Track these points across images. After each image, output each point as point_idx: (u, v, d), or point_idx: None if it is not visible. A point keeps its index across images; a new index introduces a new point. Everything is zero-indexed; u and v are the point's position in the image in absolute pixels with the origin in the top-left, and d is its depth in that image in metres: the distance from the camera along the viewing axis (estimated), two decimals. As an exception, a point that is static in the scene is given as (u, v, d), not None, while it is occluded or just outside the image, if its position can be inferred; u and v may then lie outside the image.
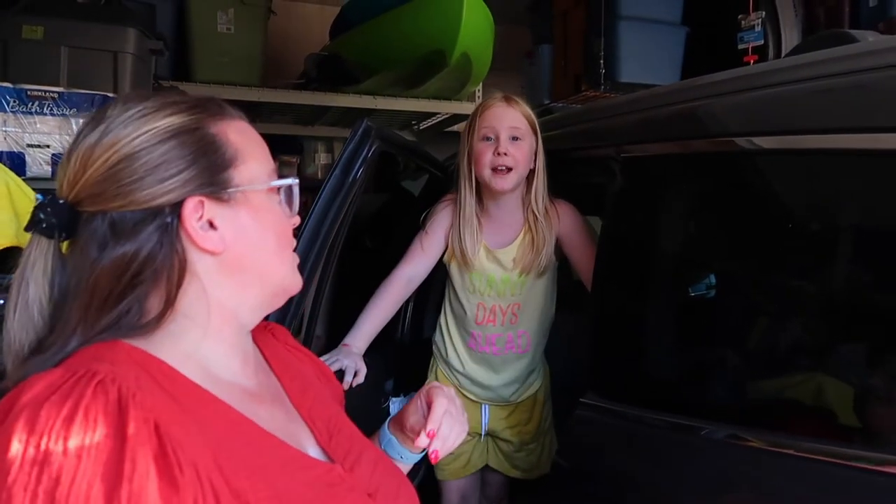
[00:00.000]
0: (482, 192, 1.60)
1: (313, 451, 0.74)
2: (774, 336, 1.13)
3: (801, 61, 1.06)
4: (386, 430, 0.91)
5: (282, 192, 0.74)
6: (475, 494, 1.82)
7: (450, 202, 1.65)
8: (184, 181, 0.65)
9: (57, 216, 0.64)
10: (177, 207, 0.65)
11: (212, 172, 0.67)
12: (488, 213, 1.62)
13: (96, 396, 0.54)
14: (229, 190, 0.68)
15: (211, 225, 0.67)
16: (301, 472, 0.67)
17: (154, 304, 0.65)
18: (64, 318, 0.63)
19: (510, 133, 1.51)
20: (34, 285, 0.64)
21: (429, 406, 0.86)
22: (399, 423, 0.90)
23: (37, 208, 0.64)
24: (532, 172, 1.57)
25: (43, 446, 0.50)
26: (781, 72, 1.07)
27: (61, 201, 0.64)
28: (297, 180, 0.76)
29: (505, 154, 1.49)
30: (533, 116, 1.56)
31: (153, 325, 0.65)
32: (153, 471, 0.53)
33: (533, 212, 1.58)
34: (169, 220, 0.65)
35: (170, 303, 0.65)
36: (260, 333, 0.80)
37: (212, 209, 0.67)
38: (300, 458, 0.69)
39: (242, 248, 0.69)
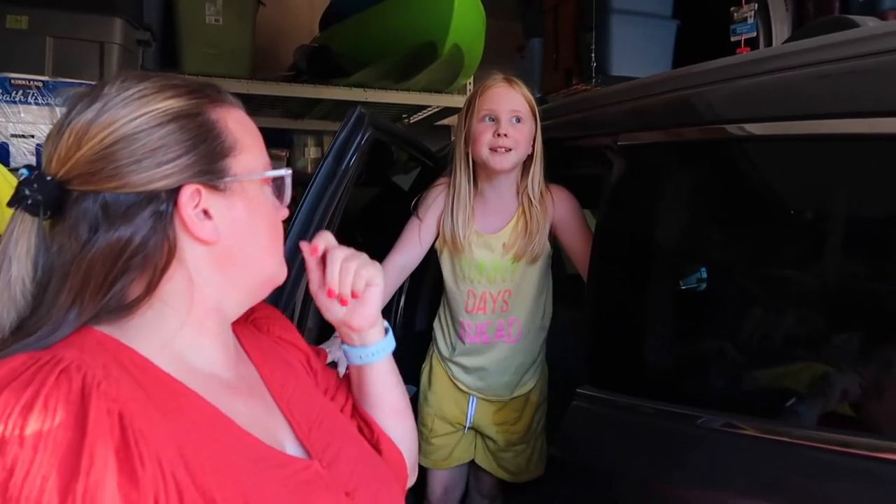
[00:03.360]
0: (478, 174, 1.58)
1: (290, 446, 0.71)
2: (773, 326, 1.12)
3: (807, 46, 1.05)
4: (343, 348, 0.87)
5: (272, 183, 0.73)
6: (460, 487, 1.81)
7: (442, 186, 1.63)
8: (182, 167, 0.63)
9: (43, 193, 0.61)
10: (173, 194, 0.63)
11: (210, 160, 0.65)
12: (483, 196, 1.60)
13: (59, 384, 0.52)
14: (226, 179, 0.66)
15: (206, 214, 0.65)
16: (274, 469, 0.64)
17: (135, 290, 0.63)
18: (53, 303, 0.60)
19: (511, 115, 1.50)
20: (17, 264, 0.61)
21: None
22: (340, 333, 0.86)
23: (22, 184, 0.61)
24: (530, 157, 1.55)
25: None
26: (788, 56, 1.06)
27: (49, 178, 0.61)
28: (290, 171, 0.75)
29: (505, 135, 1.48)
30: (532, 99, 1.54)
31: (129, 310, 0.62)
32: (112, 464, 0.50)
33: (528, 196, 1.56)
34: (164, 206, 0.63)
35: (151, 289, 0.63)
36: (240, 322, 0.77)
37: (208, 198, 0.65)
38: (274, 456, 0.66)
39: (235, 239, 0.68)
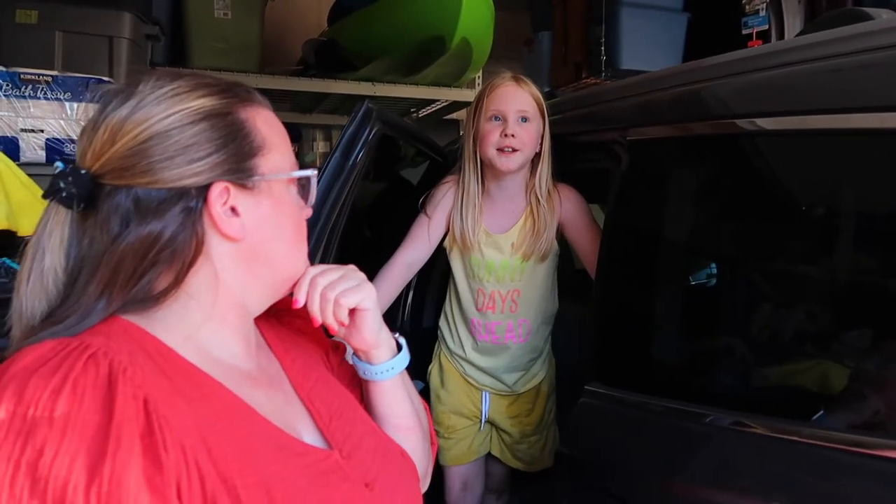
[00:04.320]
0: (485, 174, 1.58)
1: (310, 436, 0.72)
2: (783, 323, 1.11)
3: (820, 39, 1.04)
4: (353, 359, 0.86)
5: (297, 182, 0.74)
6: (478, 483, 1.80)
7: (451, 184, 1.63)
8: (212, 164, 0.65)
9: (77, 186, 0.63)
10: (202, 191, 0.65)
11: (239, 159, 0.67)
12: (490, 196, 1.60)
13: (86, 370, 0.54)
14: (254, 178, 0.68)
15: (233, 211, 0.67)
16: (294, 458, 0.65)
17: (162, 282, 0.64)
18: (82, 293, 0.62)
19: (519, 115, 1.49)
20: (50, 255, 0.63)
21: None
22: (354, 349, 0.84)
23: (56, 177, 0.63)
24: (537, 156, 1.55)
25: (29, 417, 0.50)
26: (800, 50, 1.05)
27: (83, 172, 0.63)
28: (315, 172, 0.76)
29: (512, 136, 1.48)
30: (541, 98, 1.54)
31: (155, 301, 0.64)
32: (138, 449, 0.52)
33: (536, 195, 1.56)
34: (194, 203, 0.64)
35: (177, 282, 0.65)
36: (263, 315, 0.78)
37: (236, 196, 0.67)
38: (294, 445, 0.67)
39: (261, 236, 0.69)
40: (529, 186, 1.58)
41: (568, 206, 1.60)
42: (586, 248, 1.58)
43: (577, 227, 1.61)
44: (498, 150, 1.49)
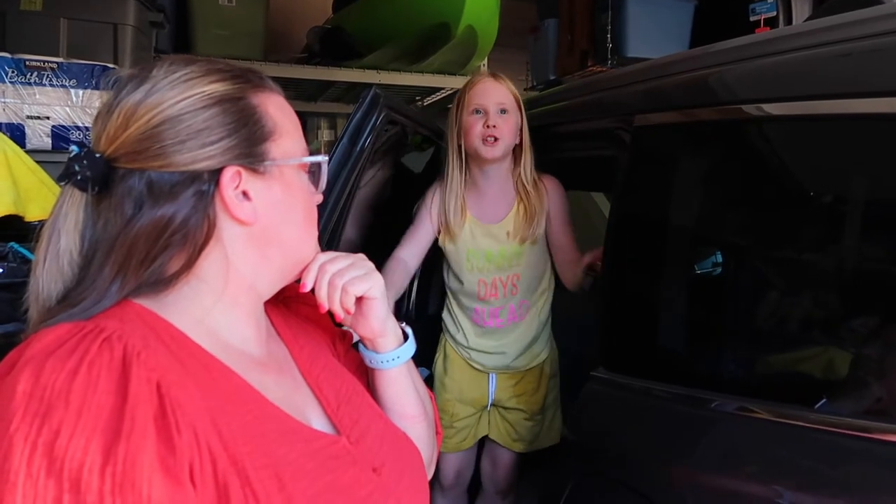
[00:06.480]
0: (470, 166, 1.67)
1: (318, 422, 0.73)
2: (789, 310, 1.11)
3: (828, 24, 1.03)
4: (360, 347, 0.86)
5: (308, 168, 0.75)
6: (470, 469, 1.86)
7: (437, 184, 1.71)
8: (224, 149, 0.65)
9: (92, 169, 0.63)
10: (214, 175, 0.65)
11: (251, 143, 0.67)
12: (477, 187, 1.68)
13: (101, 353, 0.54)
14: (266, 163, 0.69)
15: (245, 195, 0.67)
16: (303, 443, 0.66)
17: (173, 265, 0.65)
18: (97, 275, 0.63)
19: (498, 107, 1.61)
20: (65, 236, 0.64)
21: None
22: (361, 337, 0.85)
23: (72, 160, 0.64)
24: (519, 147, 1.65)
25: (46, 398, 0.50)
26: (807, 35, 1.04)
27: (98, 155, 0.64)
28: (326, 157, 0.77)
29: (494, 126, 1.58)
30: (517, 93, 1.65)
31: (167, 284, 0.64)
32: (151, 431, 0.52)
33: (523, 184, 1.65)
34: (206, 186, 0.65)
35: (189, 265, 0.65)
36: (271, 302, 0.79)
37: (248, 180, 0.67)
38: (302, 430, 0.68)
39: (272, 220, 0.69)
40: (515, 176, 1.66)
41: (553, 197, 1.68)
42: (563, 242, 1.67)
43: (557, 222, 1.68)
44: (481, 140, 1.59)
